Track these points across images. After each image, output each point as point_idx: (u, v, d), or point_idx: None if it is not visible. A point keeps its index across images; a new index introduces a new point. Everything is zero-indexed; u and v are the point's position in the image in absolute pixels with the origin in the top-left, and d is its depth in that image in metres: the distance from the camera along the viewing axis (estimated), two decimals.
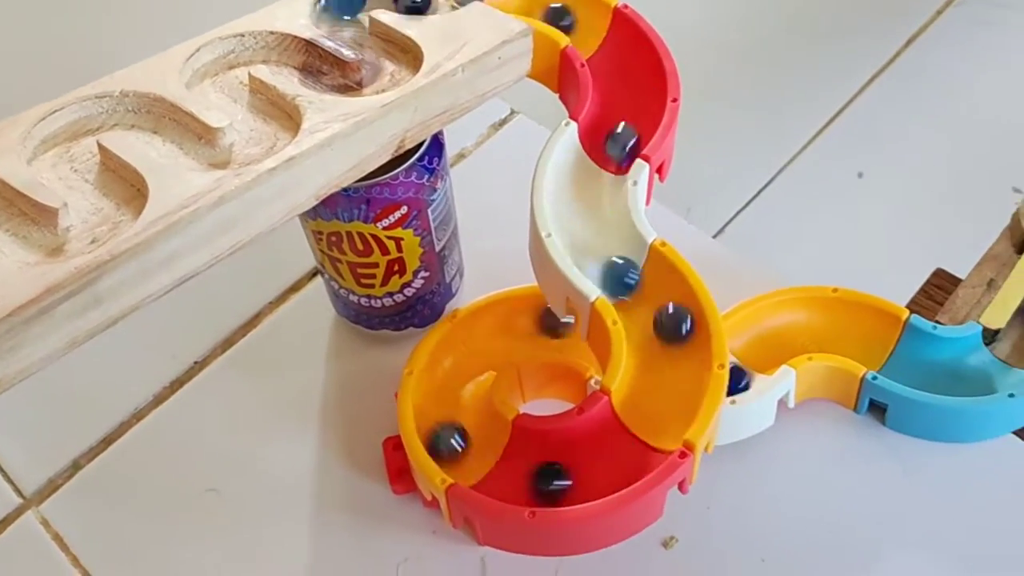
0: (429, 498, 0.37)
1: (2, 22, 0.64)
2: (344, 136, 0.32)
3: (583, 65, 0.40)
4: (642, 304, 0.36)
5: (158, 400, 0.44)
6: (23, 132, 0.31)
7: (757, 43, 0.65)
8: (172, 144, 0.32)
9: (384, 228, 0.38)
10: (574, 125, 0.39)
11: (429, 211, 0.39)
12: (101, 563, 0.40)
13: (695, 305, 0.35)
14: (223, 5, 0.40)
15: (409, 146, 0.35)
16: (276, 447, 0.42)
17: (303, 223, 0.39)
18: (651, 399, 0.35)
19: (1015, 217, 0.46)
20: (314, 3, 0.37)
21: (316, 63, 0.36)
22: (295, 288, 0.47)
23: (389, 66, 0.36)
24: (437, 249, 0.41)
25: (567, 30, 0.41)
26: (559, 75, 0.41)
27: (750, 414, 0.39)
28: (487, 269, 0.45)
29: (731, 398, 0.38)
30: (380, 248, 0.39)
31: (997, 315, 0.42)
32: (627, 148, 0.38)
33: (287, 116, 0.33)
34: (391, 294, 0.41)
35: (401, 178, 0.37)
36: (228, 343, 0.46)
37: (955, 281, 0.46)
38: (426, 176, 0.38)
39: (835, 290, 0.42)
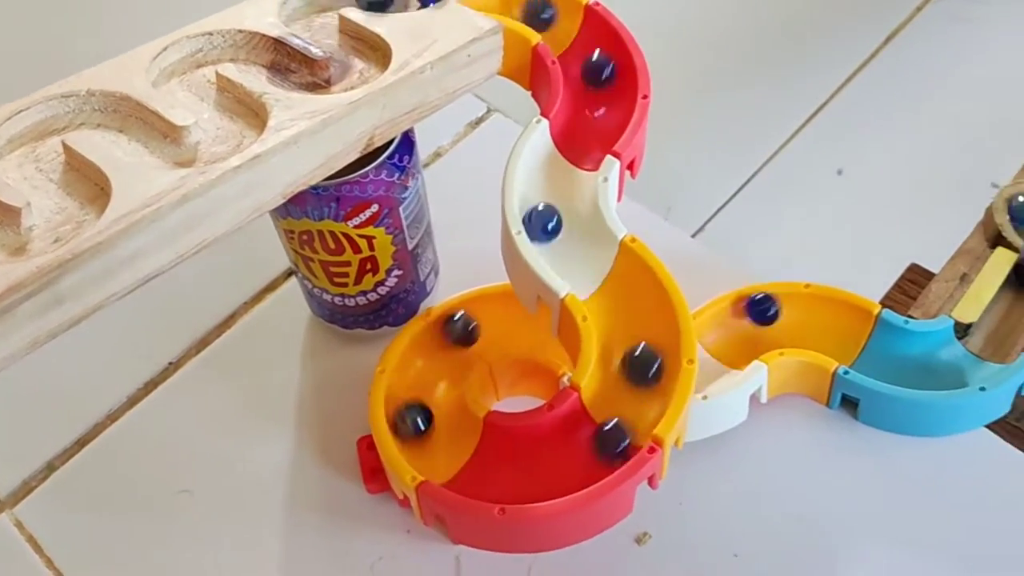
0: (402, 497, 0.37)
1: None
2: (311, 134, 0.32)
3: (554, 62, 0.40)
4: (613, 299, 0.36)
5: (132, 401, 0.44)
6: None
7: (737, 41, 0.66)
8: (137, 143, 0.32)
9: (355, 226, 0.38)
10: (545, 122, 0.39)
11: (401, 209, 0.39)
12: (75, 565, 0.40)
13: (663, 299, 0.35)
14: (193, 4, 0.40)
15: (378, 144, 0.35)
16: (250, 447, 0.42)
17: (275, 222, 0.39)
18: (618, 399, 0.35)
19: (988, 212, 0.46)
20: (282, 1, 0.37)
21: (285, 61, 0.36)
22: (270, 288, 0.47)
23: (358, 64, 0.36)
24: (410, 247, 0.41)
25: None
26: (531, 72, 0.41)
27: (722, 409, 0.39)
28: (463, 267, 0.45)
29: (702, 393, 0.39)
30: (352, 247, 0.39)
31: (969, 309, 0.42)
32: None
33: (254, 114, 0.33)
34: (364, 293, 0.41)
35: (371, 176, 0.37)
36: (203, 343, 0.46)
37: (929, 276, 0.46)
38: (397, 174, 0.38)
39: (807, 286, 0.42)
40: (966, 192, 0.49)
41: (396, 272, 0.41)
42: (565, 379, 0.40)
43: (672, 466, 0.39)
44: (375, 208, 0.38)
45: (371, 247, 0.39)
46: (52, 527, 0.41)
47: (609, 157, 0.38)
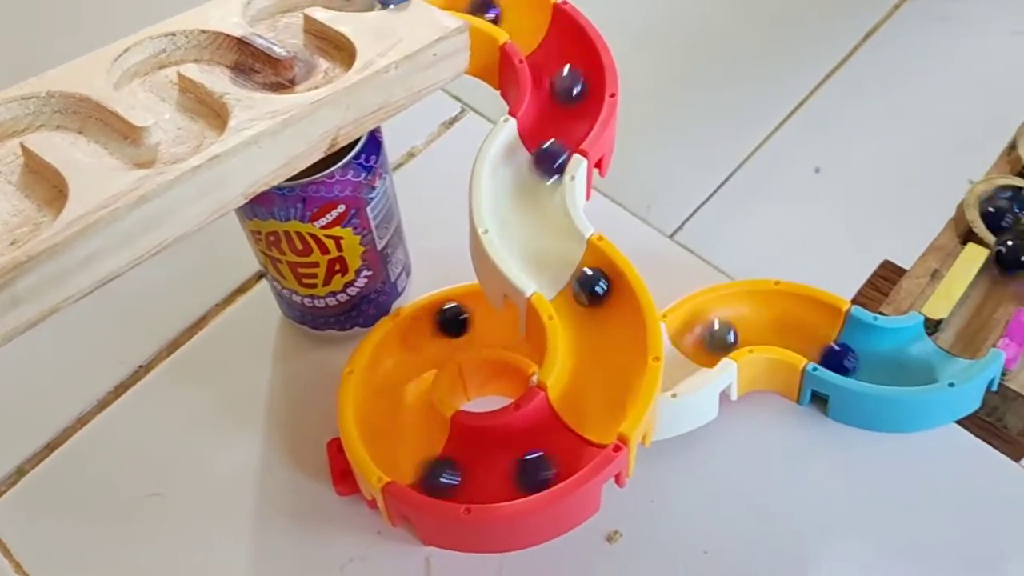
0: (370, 499, 0.37)
1: None
2: (271, 134, 0.32)
3: (521, 61, 0.40)
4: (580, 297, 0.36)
5: (103, 405, 0.44)
6: None
7: (716, 40, 0.66)
8: (97, 144, 0.32)
9: (322, 227, 0.38)
10: (513, 121, 0.39)
11: (368, 209, 0.39)
12: (45, 570, 0.40)
13: (632, 298, 0.35)
14: (157, 4, 0.39)
15: (343, 144, 0.35)
16: (221, 450, 0.42)
17: (242, 223, 0.39)
18: (588, 394, 0.35)
19: (959, 208, 0.47)
20: (247, 1, 0.37)
21: (249, 61, 0.36)
22: (241, 290, 0.47)
23: (323, 63, 0.36)
24: (379, 248, 0.41)
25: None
26: (499, 72, 0.41)
27: (691, 407, 0.39)
28: (437, 268, 0.45)
29: (671, 391, 0.39)
30: (319, 247, 0.39)
31: (940, 305, 0.42)
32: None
33: (215, 115, 0.33)
34: (334, 293, 0.41)
35: (337, 176, 0.37)
36: (173, 346, 0.45)
37: (902, 272, 0.46)
38: (363, 174, 0.38)
39: (777, 283, 0.42)
40: (943, 189, 0.49)
41: (366, 273, 0.41)
42: (534, 378, 0.40)
43: (643, 464, 0.39)
44: (342, 208, 0.38)
45: (339, 248, 0.39)
46: (22, 532, 0.41)
47: (576, 155, 0.38)
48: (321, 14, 0.37)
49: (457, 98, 0.56)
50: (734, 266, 0.50)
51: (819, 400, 0.41)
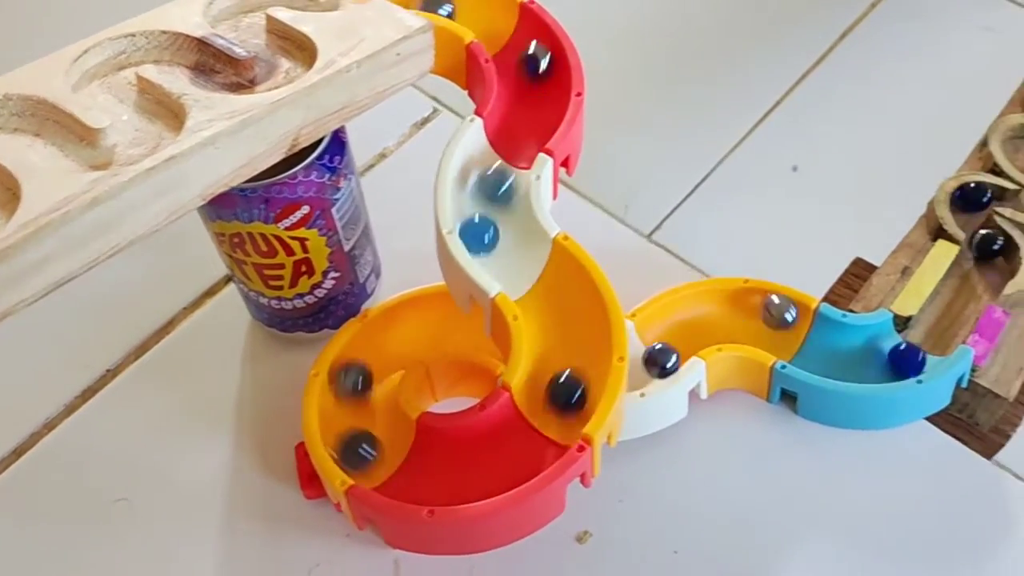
0: (336, 502, 0.37)
1: None
2: (229, 134, 0.32)
3: (488, 60, 0.40)
4: (546, 298, 0.36)
5: (70, 409, 0.44)
6: None
7: (693, 39, 0.66)
8: (53, 147, 0.32)
9: (286, 228, 0.37)
10: (479, 121, 0.39)
11: (334, 210, 0.39)
12: (12, 575, 0.40)
13: (595, 297, 0.35)
14: (119, 5, 0.39)
15: (305, 144, 0.35)
16: (189, 454, 0.42)
17: (206, 225, 0.39)
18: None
19: (930, 205, 0.47)
20: (209, 2, 0.37)
21: (209, 62, 0.35)
22: (210, 293, 0.47)
23: (285, 63, 0.36)
24: (346, 249, 0.41)
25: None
26: (466, 71, 0.41)
27: (660, 406, 0.39)
28: (409, 269, 0.45)
29: (640, 391, 0.38)
30: (284, 249, 0.38)
31: (909, 302, 0.42)
32: None
33: (173, 115, 0.33)
34: (301, 295, 0.41)
35: (300, 177, 0.36)
36: (142, 349, 0.45)
37: (873, 270, 0.46)
38: (327, 175, 0.37)
39: (746, 281, 0.42)
40: (918, 187, 0.49)
41: (333, 274, 0.41)
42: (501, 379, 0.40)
43: (612, 464, 0.39)
44: (306, 209, 0.37)
45: (304, 249, 0.39)
46: None
47: (541, 155, 0.38)
48: (283, 14, 0.37)
49: (435, 98, 0.56)
50: (712, 265, 0.50)
51: (789, 398, 0.41)
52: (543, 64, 0.39)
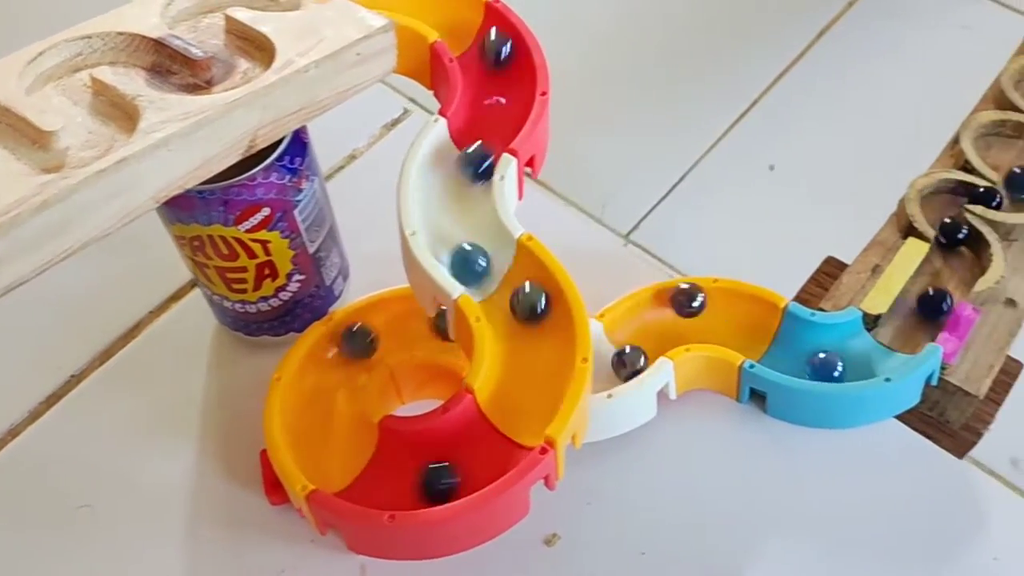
0: (298, 507, 0.37)
1: None
2: (183, 136, 0.31)
3: (452, 60, 0.40)
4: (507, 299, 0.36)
5: (34, 416, 0.43)
6: None
7: (671, 38, 0.65)
8: (5, 150, 0.31)
9: (247, 231, 0.37)
10: (443, 121, 0.39)
11: (296, 212, 0.38)
12: None
13: (561, 299, 0.35)
14: (77, 6, 0.39)
15: (263, 145, 0.34)
16: (154, 460, 0.41)
17: (167, 228, 0.39)
18: (517, 395, 0.34)
19: (901, 203, 0.46)
20: (167, 3, 0.37)
21: (166, 63, 0.35)
22: (176, 297, 0.46)
23: (243, 64, 0.35)
24: (311, 251, 0.40)
25: None
26: (431, 71, 0.41)
27: (628, 407, 0.39)
28: (379, 271, 0.44)
29: (607, 392, 0.38)
30: (246, 252, 0.38)
31: (878, 300, 0.42)
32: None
33: (127, 117, 0.32)
34: (265, 298, 0.40)
35: (259, 179, 0.36)
36: (107, 354, 0.45)
37: (845, 268, 0.46)
38: (288, 176, 0.37)
39: (715, 280, 0.42)
40: (895, 185, 0.49)
41: (298, 277, 0.40)
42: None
43: (581, 465, 0.39)
44: (267, 211, 0.37)
45: (267, 251, 0.38)
46: None
47: (505, 155, 0.37)
48: (242, 14, 0.36)
49: (412, 99, 0.55)
50: (690, 265, 0.50)
51: (758, 397, 0.41)
52: (504, 51, 0.39)
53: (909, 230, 0.45)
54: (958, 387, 0.40)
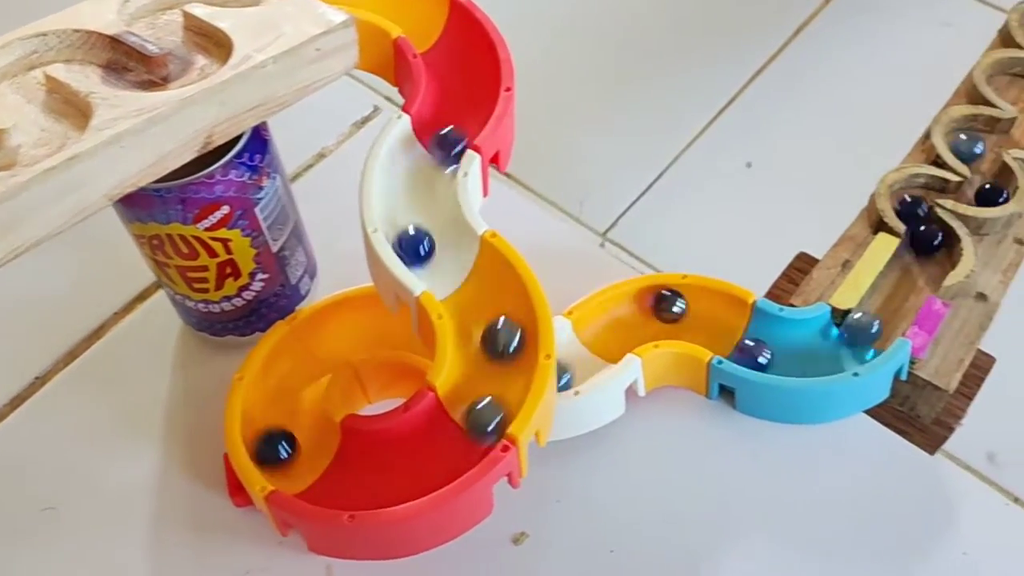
0: (260, 508, 0.36)
1: None
2: (135, 132, 0.31)
3: (416, 56, 0.39)
4: (475, 296, 0.36)
5: None
6: None
7: (648, 36, 0.65)
8: None
9: (206, 229, 0.37)
10: (407, 118, 0.38)
11: (257, 210, 0.38)
12: None
13: (523, 296, 0.35)
14: (33, 4, 0.38)
15: (220, 142, 0.34)
16: (118, 462, 0.41)
17: (126, 227, 0.38)
18: (480, 393, 0.34)
19: (871, 198, 0.46)
20: (123, 0, 0.36)
21: (122, 60, 0.35)
22: (141, 298, 0.46)
23: (201, 60, 0.35)
24: (274, 250, 0.40)
25: None
26: (395, 67, 0.41)
27: (596, 404, 0.38)
28: (347, 269, 0.44)
29: (574, 389, 0.38)
30: (206, 250, 0.37)
31: (848, 295, 0.42)
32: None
33: (81, 115, 0.32)
34: (228, 298, 0.40)
35: (218, 176, 0.35)
36: (71, 356, 0.44)
37: (816, 263, 0.46)
38: (247, 174, 0.37)
39: (684, 276, 0.42)
40: (870, 180, 0.49)
41: (261, 276, 0.40)
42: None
43: (549, 464, 0.39)
44: (226, 209, 0.36)
45: (228, 250, 0.38)
46: None
47: (469, 152, 0.37)
48: (200, 10, 0.36)
49: (388, 98, 0.55)
50: (667, 262, 0.49)
51: (727, 393, 0.40)
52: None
53: (879, 225, 0.45)
54: (928, 381, 0.40)
